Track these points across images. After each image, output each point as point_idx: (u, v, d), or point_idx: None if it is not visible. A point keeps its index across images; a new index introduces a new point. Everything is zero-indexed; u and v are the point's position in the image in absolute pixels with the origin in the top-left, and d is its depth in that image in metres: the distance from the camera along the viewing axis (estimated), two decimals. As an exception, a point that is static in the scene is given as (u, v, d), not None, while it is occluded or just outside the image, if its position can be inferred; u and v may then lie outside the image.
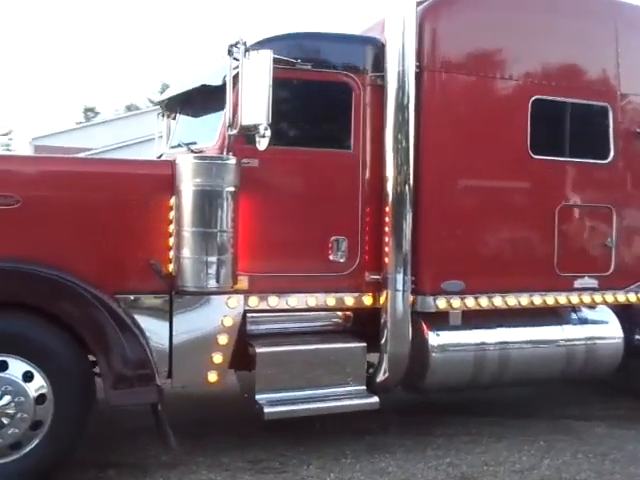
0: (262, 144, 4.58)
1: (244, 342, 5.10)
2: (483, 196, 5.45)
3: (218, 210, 4.67)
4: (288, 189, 5.15)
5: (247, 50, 4.54)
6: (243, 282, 5.04)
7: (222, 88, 4.85)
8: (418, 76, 5.19)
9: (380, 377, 5.24)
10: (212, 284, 4.72)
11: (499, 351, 5.57)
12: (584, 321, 6.03)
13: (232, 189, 4.73)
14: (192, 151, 5.18)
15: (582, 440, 5.67)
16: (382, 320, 5.18)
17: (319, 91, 5.27)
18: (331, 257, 5.21)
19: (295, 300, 5.13)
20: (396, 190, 5.07)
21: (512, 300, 5.52)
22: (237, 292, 4.98)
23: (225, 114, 4.74)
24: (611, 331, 6.09)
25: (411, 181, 5.10)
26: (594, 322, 6.07)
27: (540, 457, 5.24)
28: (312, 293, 5.16)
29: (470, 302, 5.37)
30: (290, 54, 5.04)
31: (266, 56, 4.47)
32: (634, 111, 5.97)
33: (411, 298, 5.24)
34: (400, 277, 5.09)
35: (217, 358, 4.91)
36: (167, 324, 4.82)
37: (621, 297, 5.98)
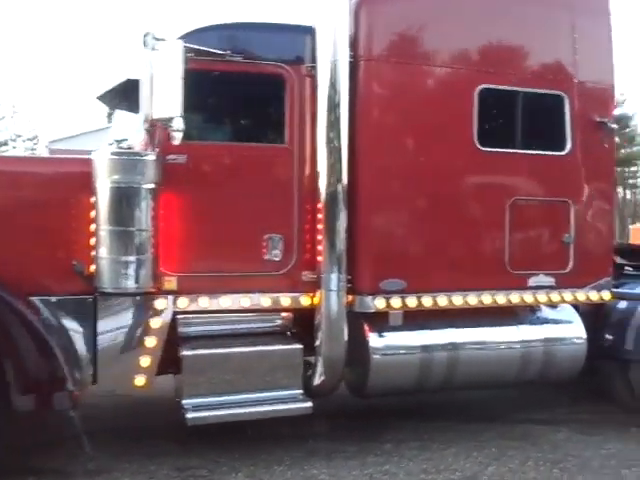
0: (176, 138, 4.39)
1: (175, 345, 4.93)
2: (426, 191, 5.18)
3: (135, 208, 4.52)
4: (218, 185, 4.95)
5: (157, 41, 4.35)
6: (172, 282, 4.88)
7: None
8: (353, 66, 4.97)
9: (316, 380, 5.02)
10: (130, 285, 4.57)
11: (447, 353, 5.31)
12: (543, 321, 5.74)
13: (151, 186, 4.58)
14: (121, 148, 5.03)
15: (537, 446, 5.39)
16: (316, 321, 4.96)
17: (252, 83, 5.07)
18: (266, 256, 5.01)
19: (227, 301, 4.94)
20: (329, 188, 4.84)
21: (459, 299, 5.25)
22: (165, 293, 4.83)
23: (141, 108, 4.56)
24: (573, 332, 5.79)
25: (344, 179, 4.85)
26: (554, 322, 5.78)
27: (486, 464, 4.98)
28: (246, 293, 4.97)
29: (412, 302, 5.12)
30: (220, 45, 4.86)
31: (176, 47, 4.29)
32: (593, 100, 5.63)
33: (350, 298, 5.03)
34: (334, 276, 4.87)
35: (144, 361, 4.75)
36: (91, 326, 4.68)
37: (581, 296, 5.67)
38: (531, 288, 5.47)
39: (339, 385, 5.18)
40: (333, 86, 4.81)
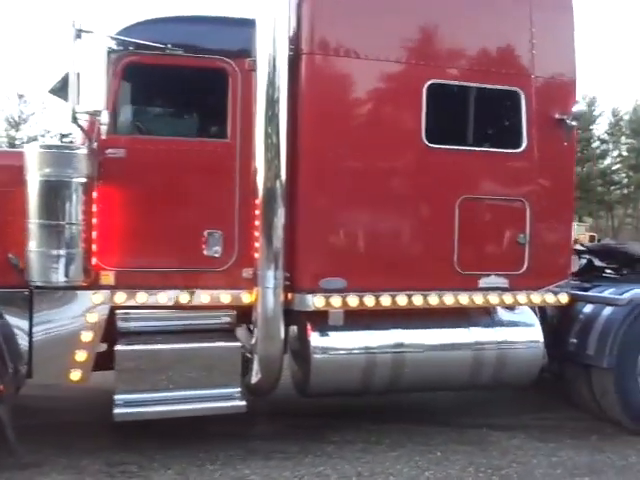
0: (103, 132, 4.37)
1: (114, 340, 4.91)
2: (370, 189, 5.06)
3: (66, 202, 4.51)
4: (158, 180, 4.91)
5: (83, 33, 4.33)
6: (109, 277, 4.87)
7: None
8: (296, 60, 4.89)
9: (253, 379, 4.96)
10: (60, 278, 4.58)
11: (392, 354, 5.20)
12: (498, 324, 5.57)
13: (83, 180, 4.57)
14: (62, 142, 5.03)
15: (485, 452, 5.25)
16: (253, 319, 4.89)
17: (194, 77, 5.03)
18: (205, 252, 4.96)
19: (165, 297, 4.91)
20: (267, 184, 4.75)
21: (403, 299, 5.12)
22: (103, 287, 4.82)
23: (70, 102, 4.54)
24: (529, 335, 5.62)
25: (283, 175, 4.75)
26: (510, 325, 5.62)
27: (425, 469, 4.87)
28: (185, 290, 4.93)
29: (353, 301, 5.01)
30: (161, 39, 4.82)
31: (101, 39, 4.26)
32: (552, 96, 5.44)
33: (289, 296, 4.96)
34: (270, 274, 4.78)
35: (80, 356, 4.75)
36: (27, 320, 4.69)
37: (536, 298, 5.49)
38: (482, 289, 5.32)
39: (277, 384, 5.10)
40: (272, 81, 4.72)
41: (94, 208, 4.73)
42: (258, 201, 4.79)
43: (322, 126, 4.97)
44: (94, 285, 4.79)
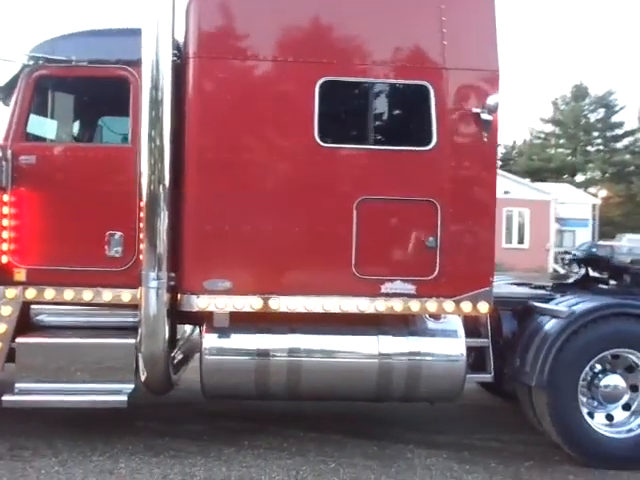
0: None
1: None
2: (260, 190, 4.98)
3: (-32, 205, 4.94)
4: (64, 184, 5.21)
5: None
6: (21, 274, 5.25)
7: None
8: (184, 64, 4.98)
9: (141, 377, 5.08)
10: (-40, 275, 5.00)
11: (288, 359, 5.08)
12: (413, 333, 5.23)
13: (-14, 185, 4.98)
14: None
15: (384, 467, 4.99)
16: (137, 318, 5.02)
17: (99, 86, 5.29)
18: (107, 252, 5.19)
19: (71, 294, 5.18)
20: (150, 187, 4.85)
21: (295, 303, 4.99)
22: (16, 284, 5.21)
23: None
24: (448, 347, 5.21)
25: (166, 178, 4.84)
26: (428, 335, 5.25)
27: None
28: (89, 287, 5.19)
29: (239, 303, 4.97)
30: (69, 52, 5.14)
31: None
32: (468, 89, 5.01)
33: (178, 296, 5.04)
34: (152, 274, 4.88)
35: (-6, 346, 5.17)
36: None
37: (449, 306, 5.06)
38: (385, 295, 5.02)
39: (169, 382, 5.18)
40: (155, 84, 4.79)
41: (6, 210, 5.15)
42: (142, 204, 4.93)
43: (208, 129, 4.98)
44: (8, 281, 5.20)
